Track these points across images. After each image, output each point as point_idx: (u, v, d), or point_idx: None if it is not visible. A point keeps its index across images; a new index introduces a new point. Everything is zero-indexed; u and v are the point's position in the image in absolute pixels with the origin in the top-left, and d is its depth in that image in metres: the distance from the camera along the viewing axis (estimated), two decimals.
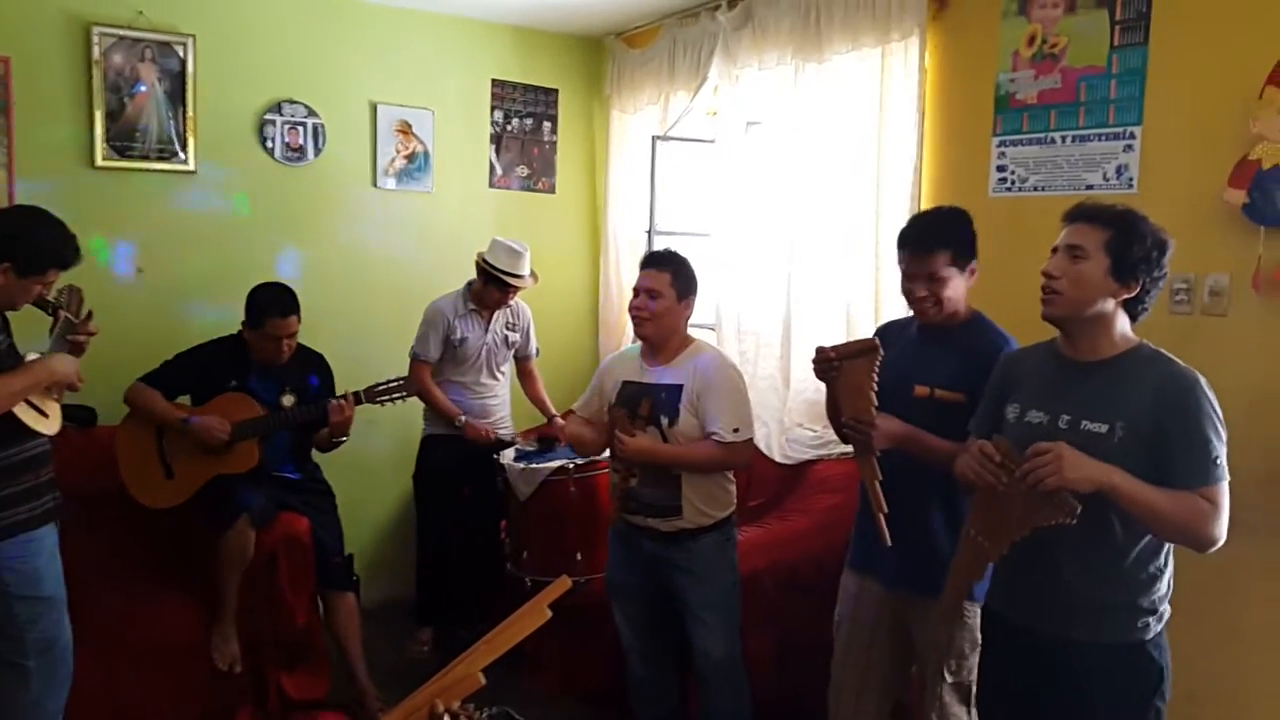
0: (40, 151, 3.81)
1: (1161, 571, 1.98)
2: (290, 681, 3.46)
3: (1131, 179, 2.89)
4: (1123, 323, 2.00)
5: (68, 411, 3.73)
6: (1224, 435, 1.90)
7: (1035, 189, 3.13)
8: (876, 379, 2.32)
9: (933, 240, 2.39)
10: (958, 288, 2.41)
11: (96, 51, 3.87)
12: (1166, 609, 2.00)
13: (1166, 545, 1.97)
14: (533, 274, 4.07)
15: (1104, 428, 1.92)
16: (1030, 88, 3.14)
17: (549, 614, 1.96)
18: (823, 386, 2.50)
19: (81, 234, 3.82)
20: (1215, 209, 2.68)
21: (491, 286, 3.99)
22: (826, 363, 2.39)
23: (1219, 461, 1.87)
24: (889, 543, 2.29)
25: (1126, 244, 1.95)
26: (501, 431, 4.17)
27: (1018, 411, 2.07)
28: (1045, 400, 2.03)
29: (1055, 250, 2.03)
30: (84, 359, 3.83)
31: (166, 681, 3.23)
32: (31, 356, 2.65)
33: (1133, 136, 2.89)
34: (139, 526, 3.48)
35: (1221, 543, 1.88)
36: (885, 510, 2.29)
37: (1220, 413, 1.91)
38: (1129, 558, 1.95)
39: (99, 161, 3.92)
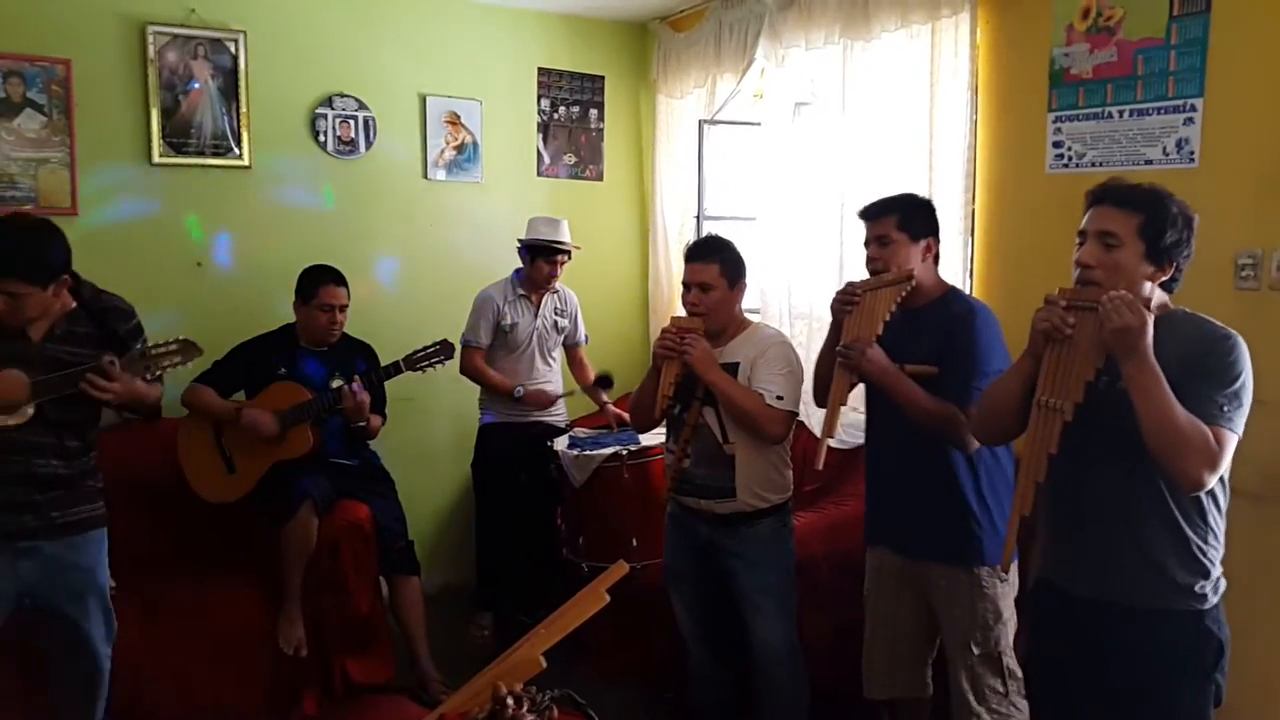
0: (100, 150, 3.91)
1: (1213, 532, 1.96)
2: (355, 665, 3.53)
3: (1193, 153, 2.81)
4: (1158, 296, 1.98)
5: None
6: (1243, 394, 1.88)
7: (1093, 164, 3.07)
8: (893, 310, 2.46)
9: (882, 207, 2.63)
10: (910, 257, 2.55)
11: (151, 50, 3.96)
12: (1222, 580, 1.98)
13: (1213, 507, 1.96)
14: (575, 245, 4.14)
15: None
16: (1085, 62, 3.07)
17: (607, 599, 1.98)
18: None
19: (141, 227, 3.97)
20: None
21: (540, 260, 4.04)
22: (850, 296, 2.55)
23: (1225, 410, 1.86)
24: (820, 467, 2.51)
25: (1160, 228, 1.94)
26: (555, 418, 4.20)
27: None
28: None
29: (1083, 235, 2.01)
30: None
31: (234, 665, 3.31)
32: (6, 372, 2.51)
33: (1194, 109, 2.81)
34: (205, 516, 3.57)
35: (1206, 487, 1.87)
36: (832, 435, 2.52)
37: (1248, 371, 1.89)
38: (1178, 517, 1.94)
39: (156, 158, 4.00)
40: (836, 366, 2.52)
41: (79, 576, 2.67)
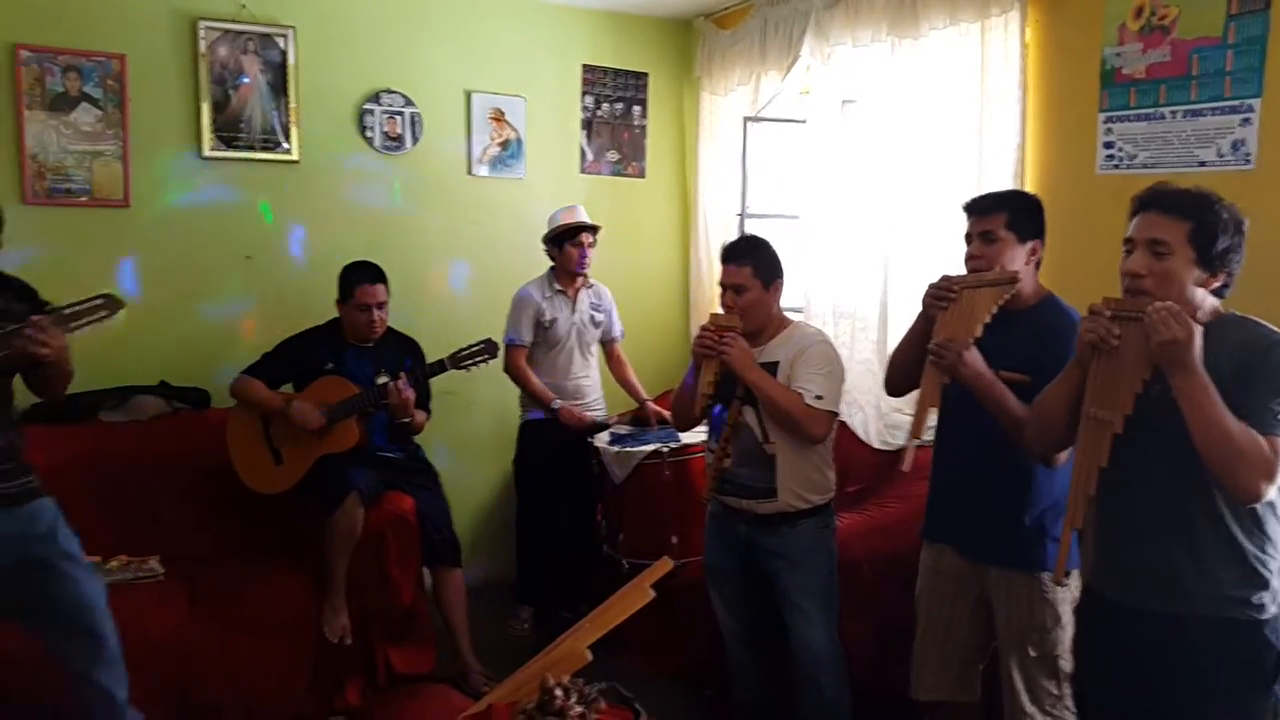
0: (153, 143, 3.98)
1: (1271, 541, 1.93)
2: (398, 655, 3.57)
3: (1249, 154, 2.77)
4: (1210, 303, 1.95)
5: (183, 394, 3.93)
6: None
7: (1145, 166, 3.03)
8: (994, 311, 2.35)
9: (993, 202, 2.50)
10: (1014, 258, 2.44)
11: (203, 45, 4.02)
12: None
13: (1271, 516, 1.92)
14: (595, 223, 4.17)
15: None
16: (1138, 61, 3.04)
17: (652, 594, 2.00)
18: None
19: (192, 220, 4.03)
20: None
21: (566, 245, 4.08)
22: (946, 291, 2.43)
23: None
24: (907, 469, 2.42)
25: (1211, 234, 1.90)
26: (595, 414, 4.23)
27: None
28: None
29: (1130, 243, 1.98)
30: (198, 344, 4.05)
31: (279, 652, 3.36)
32: None
33: (1251, 110, 2.77)
34: (252, 504, 3.62)
35: (1264, 499, 1.83)
36: (919, 438, 2.38)
37: None
38: (1234, 527, 1.91)
39: (206, 152, 4.07)
40: (927, 365, 2.41)
41: (42, 548, 2.58)
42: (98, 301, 2.54)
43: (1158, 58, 2.98)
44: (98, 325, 2.53)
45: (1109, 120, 3.13)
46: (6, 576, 2.52)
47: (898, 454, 3.73)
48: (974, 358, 2.34)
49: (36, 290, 2.65)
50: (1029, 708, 2.46)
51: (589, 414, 4.18)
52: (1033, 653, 2.44)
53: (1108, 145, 3.14)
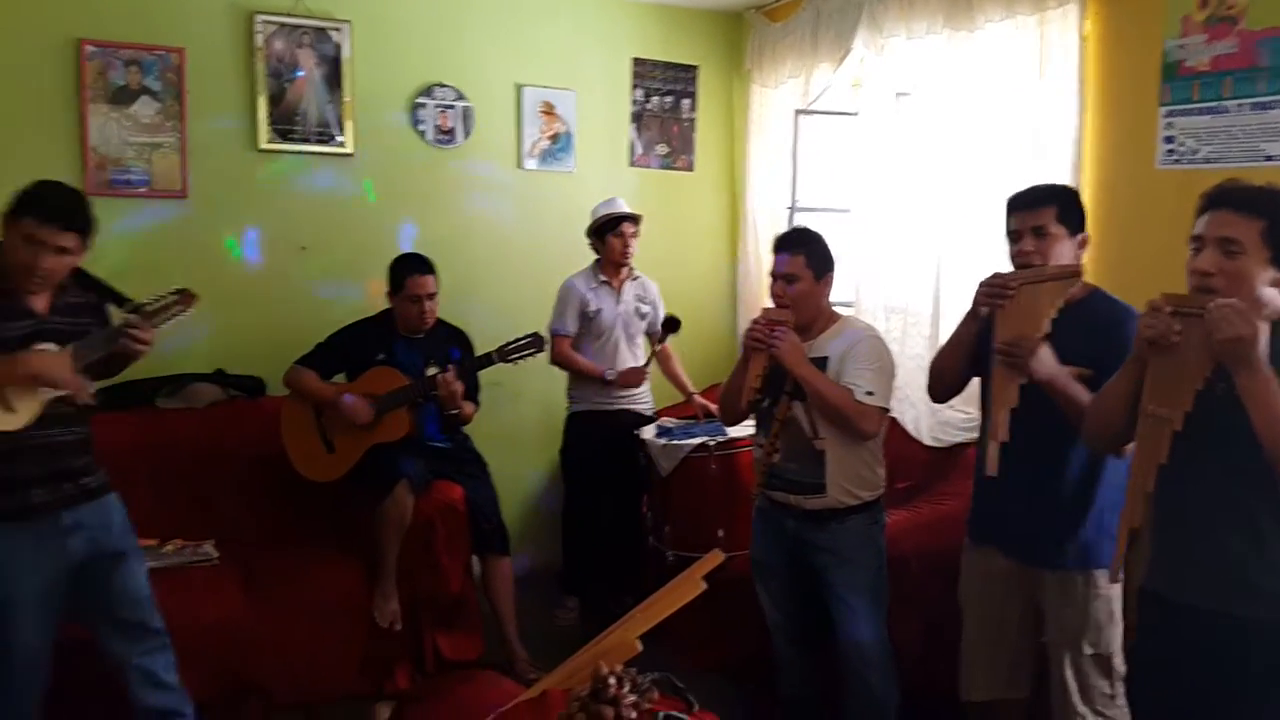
0: (209, 136, 4.04)
1: None
2: (446, 641, 3.61)
3: None
4: (1278, 301, 1.91)
5: (239, 381, 4.00)
6: None
7: (1207, 161, 2.97)
8: (1060, 307, 2.30)
9: (1042, 195, 2.44)
10: (1065, 252, 2.39)
11: (259, 39, 4.08)
12: None
13: None
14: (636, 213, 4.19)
15: None
16: (1202, 53, 2.98)
17: (703, 586, 2.01)
18: None
19: (246, 213, 4.10)
20: None
21: (609, 236, 4.11)
22: (1004, 289, 2.36)
23: None
24: (994, 472, 2.30)
25: None
26: (642, 406, 4.24)
27: None
28: None
29: (1198, 240, 1.93)
30: (254, 333, 4.11)
31: (330, 637, 3.41)
32: (41, 348, 2.45)
33: None
34: (305, 491, 3.68)
35: None
36: (1005, 439, 2.29)
37: None
38: None
39: (262, 144, 4.13)
40: (998, 366, 2.36)
41: (116, 540, 2.64)
42: (174, 296, 2.65)
43: (1224, 49, 2.92)
44: (178, 319, 2.65)
45: (1170, 114, 3.07)
46: (76, 571, 2.56)
47: (950, 451, 3.69)
48: (1047, 355, 2.29)
49: (116, 288, 2.73)
50: (1081, 708, 2.43)
51: (636, 406, 4.19)
52: (1088, 650, 2.41)
53: (1168, 140, 3.08)
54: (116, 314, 2.67)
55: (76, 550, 2.54)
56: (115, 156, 3.86)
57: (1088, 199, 3.27)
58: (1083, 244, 2.45)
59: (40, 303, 2.50)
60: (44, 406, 2.43)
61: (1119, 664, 2.41)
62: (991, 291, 2.40)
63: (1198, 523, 1.95)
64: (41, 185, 2.46)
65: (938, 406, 3.77)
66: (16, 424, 2.39)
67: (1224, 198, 1.93)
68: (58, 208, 2.44)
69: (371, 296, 4.05)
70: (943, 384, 2.68)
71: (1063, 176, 3.27)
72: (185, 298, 2.65)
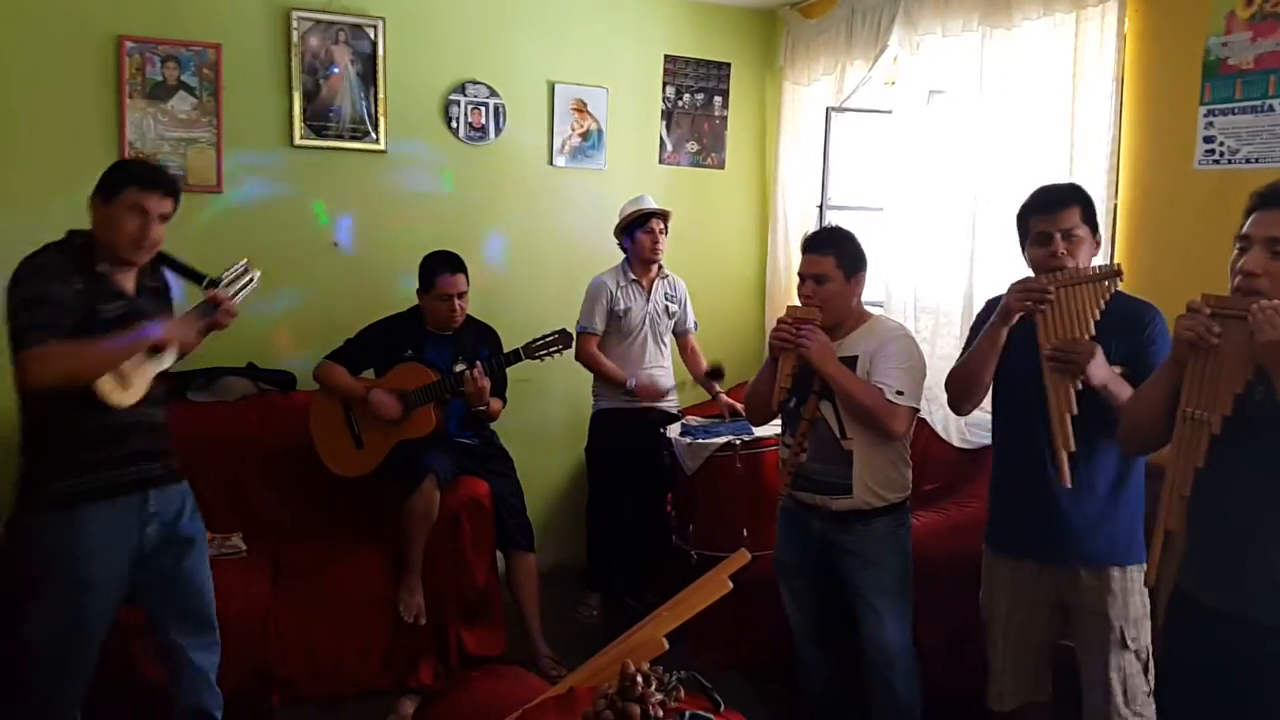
0: (245, 131, 4.08)
1: None
2: (470, 636, 3.63)
3: None
4: None
5: (270, 376, 4.03)
6: None
7: (1248, 161, 2.91)
8: (1102, 308, 2.28)
9: (1068, 196, 2.43)
10: (1090, 254, 2.39)
11: (295, 35, 4.11)
12: None
13: None
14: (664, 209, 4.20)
15: None
16: (1246, 52, 2.92)
17: (730, 585, 2.00)
18: None
19: (282, 208, 4.13)
20: None
21: (638, 233, 4.11)
22: (1039, 294, 2.33)
23: None
24: (1069, 484, 2.27)
25: None
26: (668, 405, 4.23)
27: None
28: None
29: (1245, 239, 1.89)
30: (290, 327, 4.14)
31: (356, 629, 3.45)
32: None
33: None
34: (333, 485, 3.71)
35: None
36: (1072, 448, 2.26)
37: None
38: None
39: (297, 140, 4.16)
40: (1051, 372, 2.31)
41: (188, 525, 2.65)
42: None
43: (1270, 47, 2.86)
44: (249, 292, 2.75)
45: (1210, 113, 3.01)
46: (148, 556, 2.56)
47: (978, 453, 3.65)
48: (1101, 359, 2.26)
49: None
50: (1124, 710, 2.39)
51: (662, 404, 4.19)
52: (1132, 646, 2.38)
53: (1208, 139, 3.02)
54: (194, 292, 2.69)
55: (151, 536, 2.55)
56: (152, 151, 3.91)
57: (1123, 199, 3.25)
58: (1098, 244, 2.45)
59: (129, 284, 2.51)
60: (150, 384, 2.47)
61: (1150, 662, 2.38)
62: (1030, 295, 2.35)
63: (1237, 528, 1.90)
64: (125, 161, 2.51)
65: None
66: (133, 398, 2.42)
67: (1275, 197, 1.88)
68: (156, 174, 2.50)
69: (403, 293, 4.06)
70: (972, 399, 2.62)
71: (1098, 176, 3.22)
72: (248, 269, 2.74)
